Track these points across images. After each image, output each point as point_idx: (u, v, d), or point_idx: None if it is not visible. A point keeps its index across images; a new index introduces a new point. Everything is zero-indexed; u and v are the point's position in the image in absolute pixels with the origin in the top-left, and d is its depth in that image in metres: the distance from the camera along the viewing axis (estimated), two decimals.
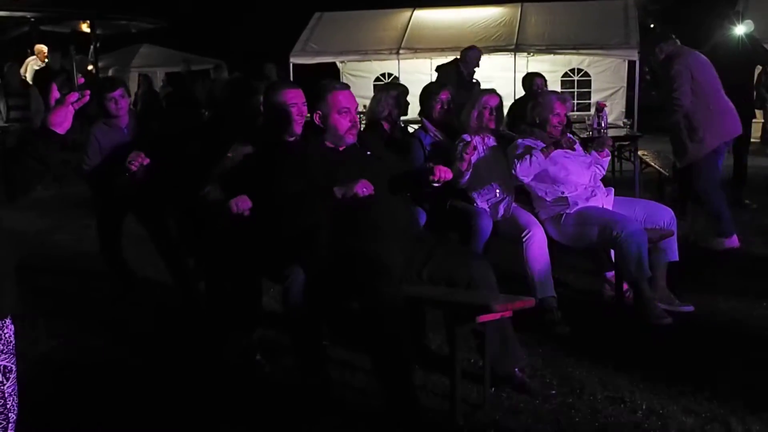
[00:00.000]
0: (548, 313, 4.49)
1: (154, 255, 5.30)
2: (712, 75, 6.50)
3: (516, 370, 3.74)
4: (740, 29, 8.33)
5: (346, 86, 3.96)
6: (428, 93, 5.11)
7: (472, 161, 4.59)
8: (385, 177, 3.84)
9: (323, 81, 3.97)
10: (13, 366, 2.23)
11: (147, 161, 4.67)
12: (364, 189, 3.61)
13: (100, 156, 4.97)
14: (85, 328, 4.77)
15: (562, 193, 4.73)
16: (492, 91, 5.10)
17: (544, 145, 4.74)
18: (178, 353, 4.32)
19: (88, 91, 2.28)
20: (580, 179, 4.80)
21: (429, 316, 4.31)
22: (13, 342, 2.24)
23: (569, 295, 5.07)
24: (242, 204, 3.74)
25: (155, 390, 3.85)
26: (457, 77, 8.98)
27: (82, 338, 4.61)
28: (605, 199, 4.81)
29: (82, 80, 2.29)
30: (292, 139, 4.07)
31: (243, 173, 3.97)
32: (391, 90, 5.41)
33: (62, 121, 2.25)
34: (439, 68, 9.76)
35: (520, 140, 4.86)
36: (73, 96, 2.24)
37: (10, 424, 2.21)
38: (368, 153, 3.91)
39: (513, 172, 4.70)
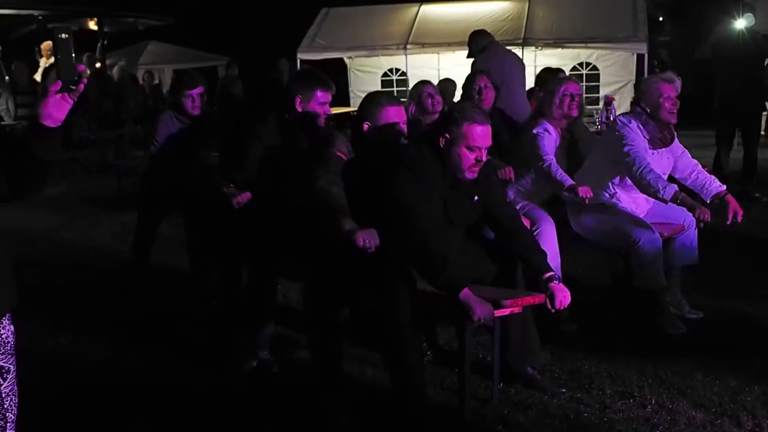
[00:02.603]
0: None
1: (162, 252, 5.28)
2: (519, 77, 6.95)
3: (527, 367, 3.73)
4: (740, 23, 8.25)
5: (488, 121, 3.50)
6: (469, 81, 5.42)
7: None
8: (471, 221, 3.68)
9: (464, 105, 3.65)
10: (11, 366, 2.19)
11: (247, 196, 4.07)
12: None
13: (166, 147, 4.84)
14: (92, 326, 4.77)
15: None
16: (570, 78, 4.96)
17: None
18: (187, 352, 4.32)
19: (85, 80, 2.10)
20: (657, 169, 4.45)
21: (438, 310, 4.30)
22: (12, 342, 2.20)
23: (578, 290, 5.02)
24: (371, 241, 3.35)
25: (163, 388, 3.85)
26: None
27: (88, 336, 4.61)
28: (645, 203, 4.63)
29: (82, 67, 2.14)
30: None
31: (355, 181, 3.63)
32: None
33: (51, 113, 2.06)
34: None
35: (629, 123, 4.44)
36: (57, 85, 2.07)
37: (8, 424, 2.18)
38: (476, 198, 3.58)
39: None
